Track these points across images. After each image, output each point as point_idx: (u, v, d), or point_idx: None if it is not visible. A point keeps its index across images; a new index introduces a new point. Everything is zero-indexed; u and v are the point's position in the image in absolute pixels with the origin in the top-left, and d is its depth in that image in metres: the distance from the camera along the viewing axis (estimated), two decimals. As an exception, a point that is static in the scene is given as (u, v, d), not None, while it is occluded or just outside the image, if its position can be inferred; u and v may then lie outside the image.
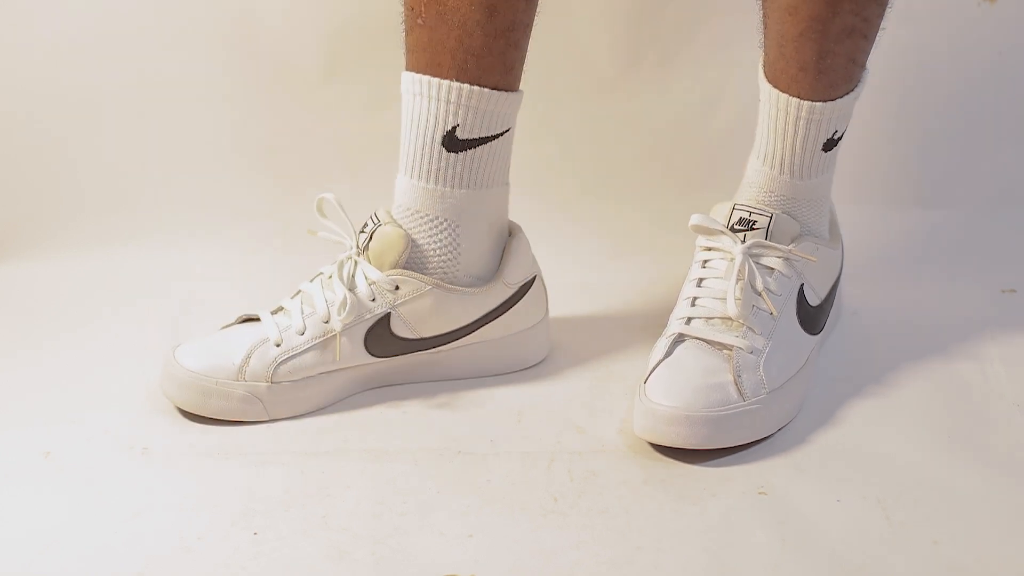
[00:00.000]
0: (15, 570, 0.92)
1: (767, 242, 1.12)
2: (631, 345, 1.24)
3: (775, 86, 1.14)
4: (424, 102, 1.11)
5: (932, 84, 1.53)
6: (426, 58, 1.10)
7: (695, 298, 1.12)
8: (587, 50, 1.51)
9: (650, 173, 1.54)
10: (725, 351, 1.08)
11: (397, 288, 1.12)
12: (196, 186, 1.49)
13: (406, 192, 1.14)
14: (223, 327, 1.14)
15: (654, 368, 1.07)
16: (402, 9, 1.12)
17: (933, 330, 1.26)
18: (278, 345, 1.10)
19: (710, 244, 1.15)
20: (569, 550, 0.94)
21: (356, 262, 1.13)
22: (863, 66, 1.15)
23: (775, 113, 1.14)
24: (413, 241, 1.13)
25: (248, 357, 1.10)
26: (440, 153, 1.12)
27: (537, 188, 1.47)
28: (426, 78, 1.10)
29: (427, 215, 1.14)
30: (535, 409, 1.13)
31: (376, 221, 1.13)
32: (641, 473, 1.03)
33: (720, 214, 1.14)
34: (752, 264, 1.11)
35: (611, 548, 0.94)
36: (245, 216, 1.48)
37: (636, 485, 1.01)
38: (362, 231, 1.14)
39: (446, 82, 1.10)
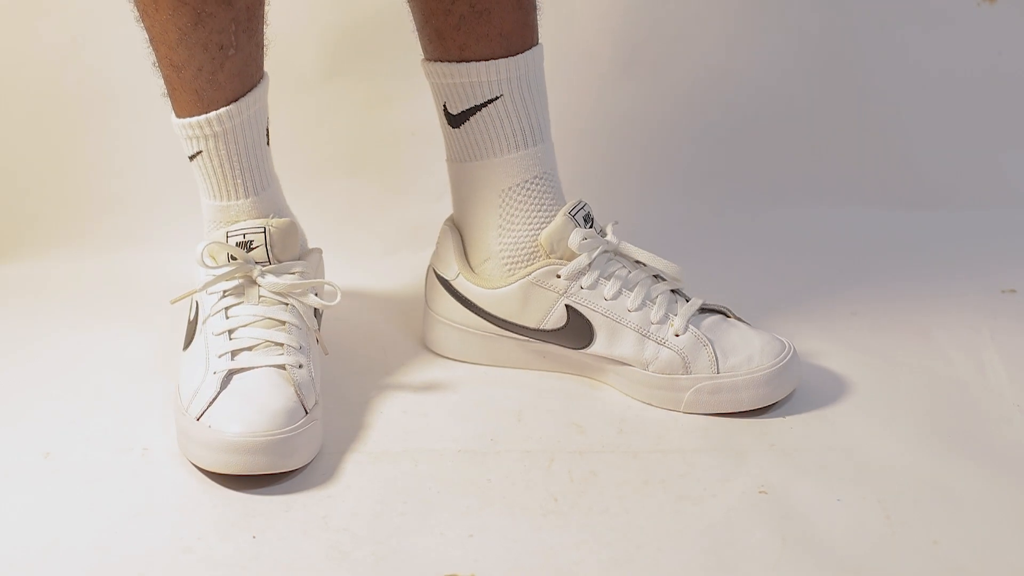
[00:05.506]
0: (15, 570, 0.92)
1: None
2: (631, 345, 1.24)
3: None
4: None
5: (932, 84, 1.53)
6: (243, 81, 1.12)
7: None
8: (587, 48, 1.51)
9: (652, 170, 1.54)
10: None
11: None
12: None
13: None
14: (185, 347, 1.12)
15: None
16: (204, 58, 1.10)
17: (933, 330, 1.26)
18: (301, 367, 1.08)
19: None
20: (569, 550, 0.94)
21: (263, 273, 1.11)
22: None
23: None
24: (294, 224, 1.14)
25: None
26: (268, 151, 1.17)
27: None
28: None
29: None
30: (535, 409, 1.13)
31: (251, 230, 1.11)
32: (641, 473, 1.03)
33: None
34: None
35: (611, 548, 0.94)
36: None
37: (636, 485, 1.02)
38: (250, 249, 1.11)
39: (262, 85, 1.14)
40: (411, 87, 1.47)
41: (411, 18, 1.17)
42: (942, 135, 1.54)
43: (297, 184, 1.39)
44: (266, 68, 1.15)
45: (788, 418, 1.11)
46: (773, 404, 1.12)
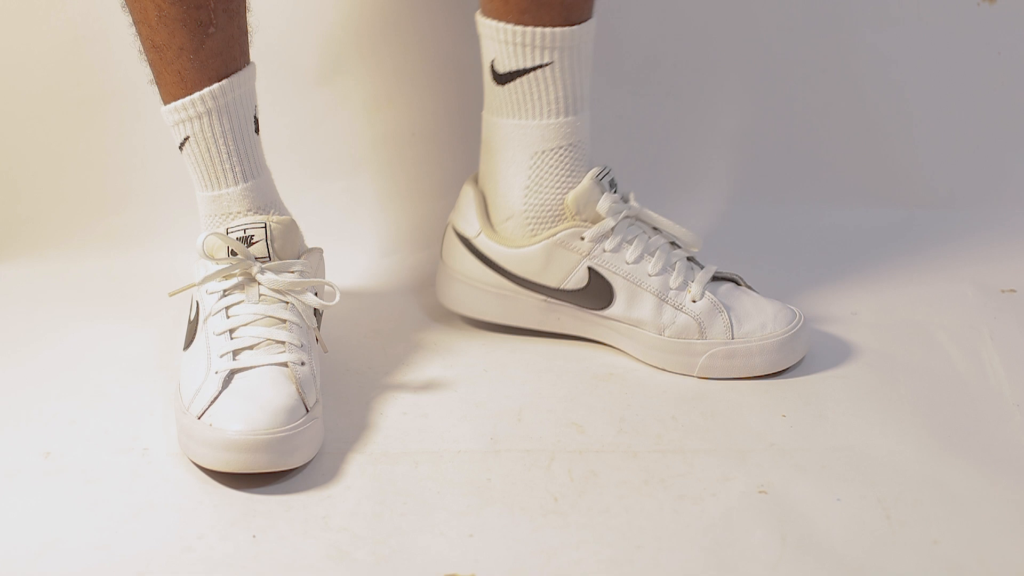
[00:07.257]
0: (15, 570, 0.92)
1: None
2: (631, 345, 1.24)
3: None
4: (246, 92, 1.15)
5: (932, 84, 1.53)
6: (226, 63, 1.12)
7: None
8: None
9: (651, 171, 1.54)
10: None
11: None
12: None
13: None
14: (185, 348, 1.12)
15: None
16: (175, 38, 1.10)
17: (933, 330, 1.26)
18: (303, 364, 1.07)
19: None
20: (569, 550, 0.94)
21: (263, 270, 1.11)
22: None
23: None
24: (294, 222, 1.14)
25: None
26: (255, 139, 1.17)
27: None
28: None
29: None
30: (535, 409, 1.13)
31: (252, 226, 1.11)
32: (641, 473, 1.03)
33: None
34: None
35: (611, 548, 0.94)
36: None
37: (636, 485, 1.02)
38: (250, 244, 1.11)
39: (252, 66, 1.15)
40: (411, 87, 1.46)
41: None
42: (942, 135, 1.54)
43: (297, 184, 1.39)
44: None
45: (788, 418, 1.11)
46: (783, 369, 1.17)
